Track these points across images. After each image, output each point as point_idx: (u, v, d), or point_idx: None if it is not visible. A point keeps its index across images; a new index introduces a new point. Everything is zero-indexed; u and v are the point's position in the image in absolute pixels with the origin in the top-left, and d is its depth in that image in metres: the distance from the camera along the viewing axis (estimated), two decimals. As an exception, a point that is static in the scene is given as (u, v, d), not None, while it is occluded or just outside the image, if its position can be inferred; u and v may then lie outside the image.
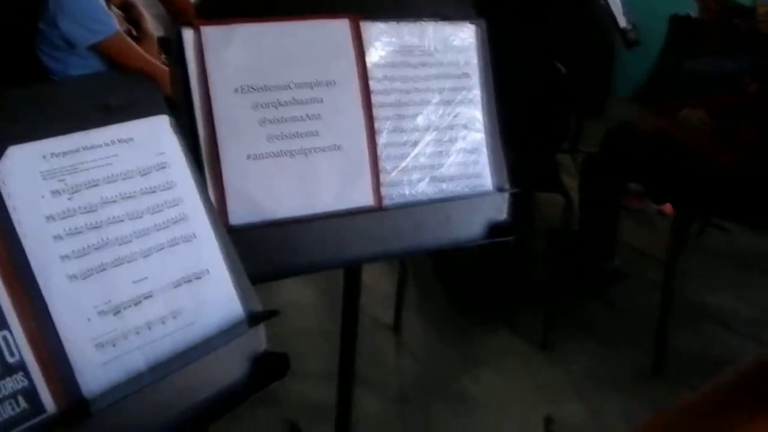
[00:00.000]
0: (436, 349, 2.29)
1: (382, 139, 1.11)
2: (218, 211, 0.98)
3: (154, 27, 2.18)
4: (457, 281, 2.59)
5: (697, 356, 2.26)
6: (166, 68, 1.53)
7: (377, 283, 2.53)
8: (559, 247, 2.56)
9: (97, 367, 0.75)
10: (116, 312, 0.78)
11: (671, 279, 2.17)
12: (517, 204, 2.51)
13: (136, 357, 0.79)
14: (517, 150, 2.13)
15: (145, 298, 0.81)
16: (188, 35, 0.99)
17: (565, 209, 2.27)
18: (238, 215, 1.00)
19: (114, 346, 0.77)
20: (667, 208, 3.05)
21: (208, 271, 0.87)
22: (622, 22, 2.74)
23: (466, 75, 1.20)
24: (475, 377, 2.13)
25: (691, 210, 2.23)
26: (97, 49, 1.96)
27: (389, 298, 2.37)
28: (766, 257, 2.88)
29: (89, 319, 0.75)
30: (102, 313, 0.76)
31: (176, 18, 1.88)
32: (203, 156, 0.99)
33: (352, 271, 1.29)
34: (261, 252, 1.01)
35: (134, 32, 2.14)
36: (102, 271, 0.77)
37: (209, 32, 1.00)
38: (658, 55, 3.69)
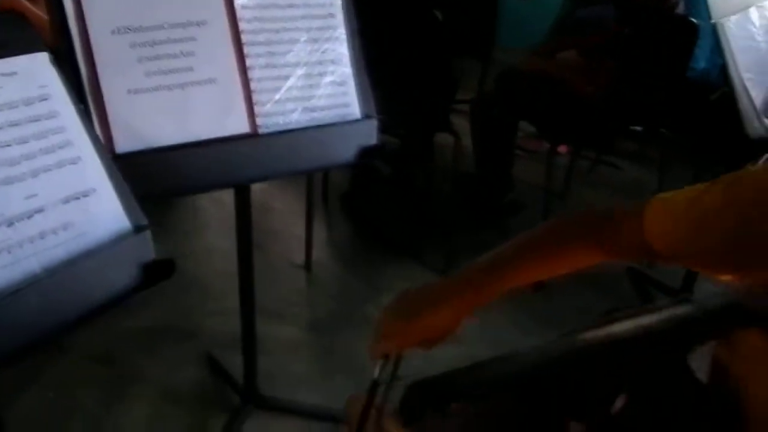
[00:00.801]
0: (344, 282, 2.47)
1: (255, 74, 1.24)
2: (105, 141, 1.10)
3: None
4: (365, 219, 2.76)
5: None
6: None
7: (290, 228, 2.68)
8: (458, 185, 2.76)
9: (-6, 270, 0.87)
10: (9, 224, 0.90)
11: (551, 202, 2.40)
12: (417, 147, 2.67)
13: (31, 262, 0.91)
14: (409, 96, 2.29)
15: (37, 212, 0.93)
16: (64, -18, 1.08)
17: (455, 148, 2.46)
18: (123, 144, 1.12)
19: (9, 252, 0.89)
20: (561, 148, 3.31)
21: (94, 190, 0.99)
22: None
23: (332, 15, 1.34)
24: (381, 304, 2.30)
25: (570, 141, 2.47)
26: (-11, 8, 1.98)
27: (302, 242, 2.52)
28: (647, 186, 3.19)
29: (-16, 229, 0.87)
30: (-4, 224, 0.88)
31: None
32: (86, 93, 1.10)
33: (241, 190, 1.43)
34: (148, 176, 1.13)
35: (27, -10, 2.15)
36: (-7, 188, 0.89)
37: (84, -21, 1.09)
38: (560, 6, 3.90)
